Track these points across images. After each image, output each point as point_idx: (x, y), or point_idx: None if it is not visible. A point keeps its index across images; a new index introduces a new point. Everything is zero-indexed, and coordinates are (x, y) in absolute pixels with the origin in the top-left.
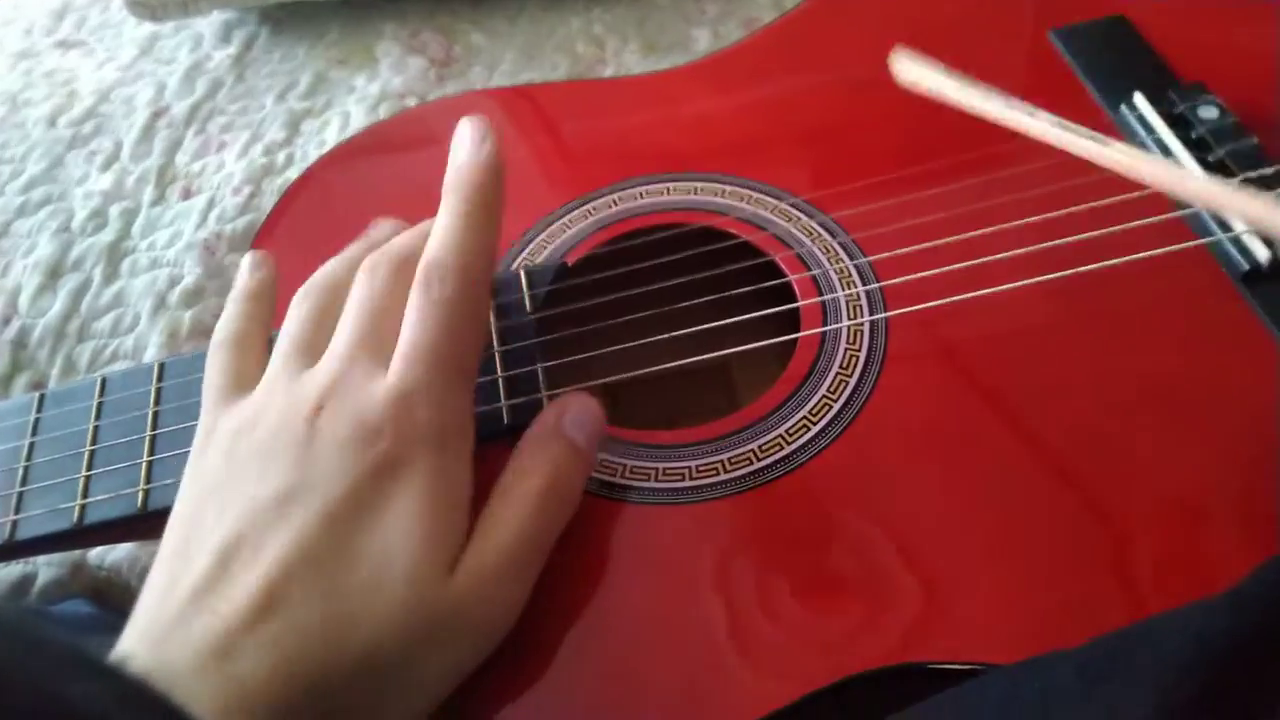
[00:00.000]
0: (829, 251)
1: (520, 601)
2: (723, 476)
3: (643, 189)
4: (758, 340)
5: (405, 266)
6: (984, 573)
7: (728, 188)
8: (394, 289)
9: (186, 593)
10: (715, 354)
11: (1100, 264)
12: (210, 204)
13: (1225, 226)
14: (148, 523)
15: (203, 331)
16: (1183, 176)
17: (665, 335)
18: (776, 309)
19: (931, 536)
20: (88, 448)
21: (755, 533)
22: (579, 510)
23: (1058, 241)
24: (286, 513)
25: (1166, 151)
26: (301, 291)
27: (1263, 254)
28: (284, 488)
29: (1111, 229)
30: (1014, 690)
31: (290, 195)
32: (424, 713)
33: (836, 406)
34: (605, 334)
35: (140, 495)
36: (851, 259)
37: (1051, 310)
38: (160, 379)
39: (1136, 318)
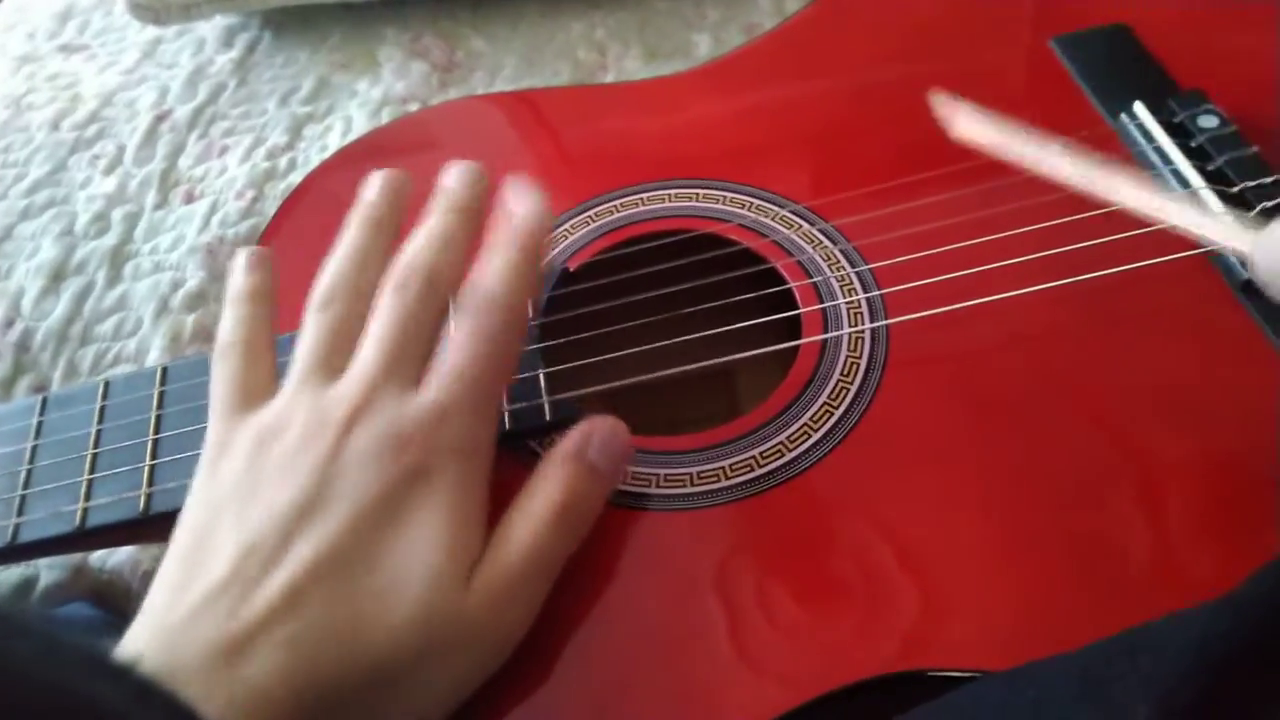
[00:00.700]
0: (830, 259)
1: (528, 618)
2: (724, 483)
3: (644, 195)
4: (759, 347)
5: (435, 284)
6: (983, 580)
7: (729, 194)
8: (425, 307)
9: (202, 593)
10: (716, 360)
11: (1102, 272)
12: (213, 208)
13: None
14: (150, 526)
15: (205, 335)
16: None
17: (666, 341)
18: (778, 316)
19: (931, 544)
20: (90, 451)
21: (756, 539)
22: None
23: (1058, 249)
24: (312, 519)
25: (1166, 160)
26: (321, 299)
27: None
28: (309, 496)
29: (1113, 237)
30: (1010, 696)
31: (293, 199)
32: None
33: (838, 414)
34: (607, 340)
35: (142, 499)
36: (853, 266)
37: (1052, 318)
38: (163, 383)
39: (1137, 326)
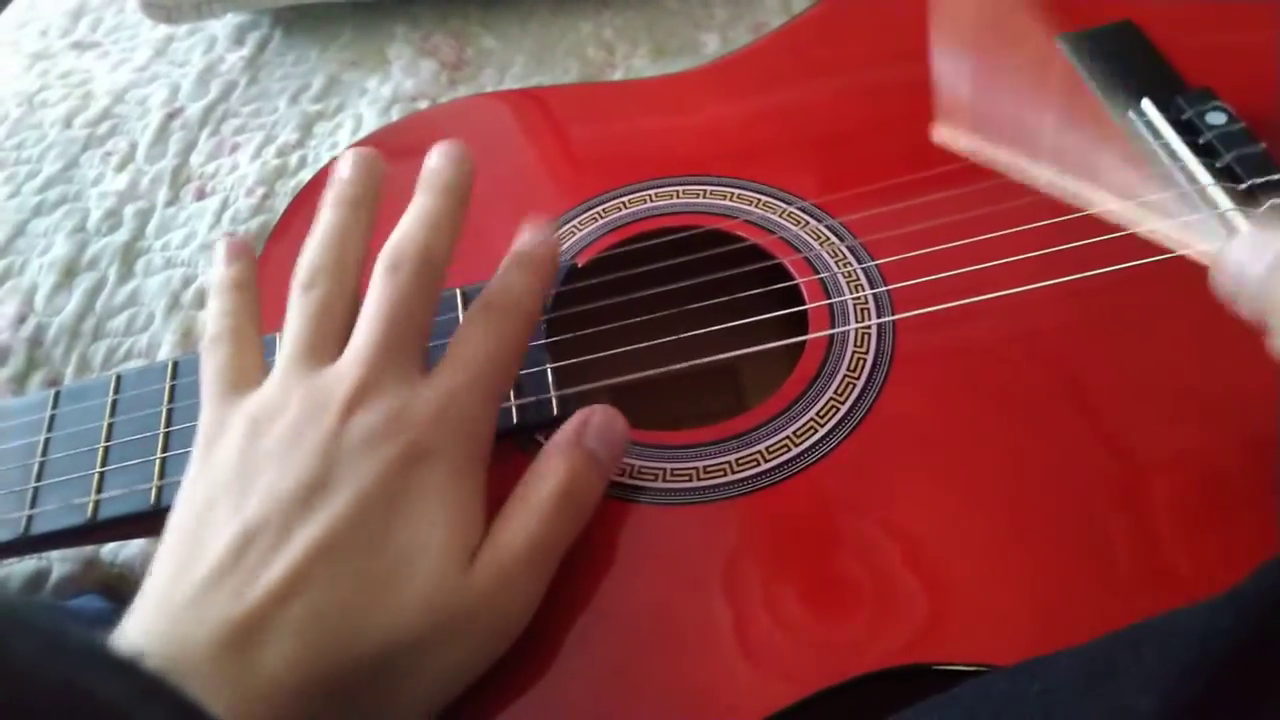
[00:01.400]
0: (837, 255)
1: (531, 606)
2: (730, 477)
3: (652, 192)
4: (765, 343)
5: (428, 265)
6: (989, 574)
7: (736, 191)
8: (420, 289)
9: (202, 576)
10: (723, 356)
11: (1110, 268)
12: (224, 205)
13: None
14: (160, 519)
15: None
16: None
17: (673, 337)
18: (784, 312)
19: (937, 538)
20: (102, 444)
21: (762, 534)
22: None
23: (1066, 245)
24: (313, 502)
25: (1174, 157)
26: (304, 280)
27: None
28: (310, 479)
29: (1119, 234)
30: (1015, 689)
31: (303, 197)
32: (430, 713)
33: (844, 409)
34: (614, 335)
35: (153, 491)
36: (859, 262)
37: (1059, 314)
38: (174, 377)
39: (1145, 322)
